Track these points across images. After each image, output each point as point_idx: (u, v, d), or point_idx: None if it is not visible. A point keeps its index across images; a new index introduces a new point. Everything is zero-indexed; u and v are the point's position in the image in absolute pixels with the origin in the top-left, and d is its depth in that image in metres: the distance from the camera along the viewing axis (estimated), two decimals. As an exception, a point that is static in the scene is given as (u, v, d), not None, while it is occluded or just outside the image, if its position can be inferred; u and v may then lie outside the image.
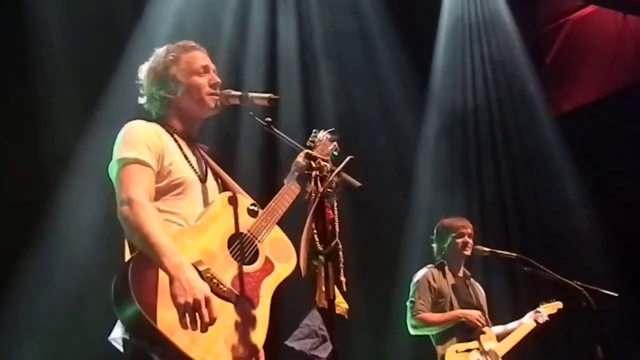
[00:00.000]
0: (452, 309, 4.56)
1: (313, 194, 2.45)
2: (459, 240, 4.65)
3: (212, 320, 2.27)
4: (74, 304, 4.20)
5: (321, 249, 2.39)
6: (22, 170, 4.29)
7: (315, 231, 2.42)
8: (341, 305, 2.45)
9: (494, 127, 6.70)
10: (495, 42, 6.77)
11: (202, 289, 2.27)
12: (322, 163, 2.51)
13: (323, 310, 2.40)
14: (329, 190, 2.45)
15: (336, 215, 2.46)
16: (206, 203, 2.62)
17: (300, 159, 2.62)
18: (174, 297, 2.24)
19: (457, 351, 4.44)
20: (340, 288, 2.40)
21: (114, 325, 2.49)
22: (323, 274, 2.38)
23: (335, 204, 2.48)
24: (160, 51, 2.76)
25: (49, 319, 4.19)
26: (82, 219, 4.29)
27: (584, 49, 7.54)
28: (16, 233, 4.17)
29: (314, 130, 2.72)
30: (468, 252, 4.68)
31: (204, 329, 2.26)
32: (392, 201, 5.76)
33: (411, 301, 4.60)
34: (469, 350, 4.46)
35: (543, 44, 7.70)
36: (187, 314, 2.22)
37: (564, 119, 6.96)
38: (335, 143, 2.79)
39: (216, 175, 2.76)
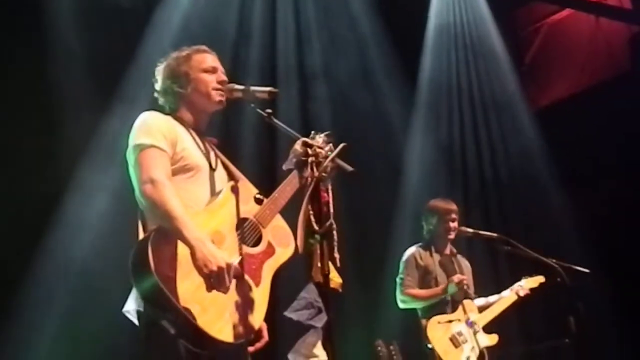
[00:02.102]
0: (437, 284, 4.55)
1: (309, 178, 2.44)
2: (445, 225, 4.63)
3: (230, 284, 2.32)
4: (89, 278, 4.18)
5: (317, 228, 2.40)
6: (36, 162, 4.25)
7: (311, 212, 2.42)
8: (335, 279, 2.45)
9: (477, 121, 6.67)
10: (478, 45, 6.72)
11: (224, 257, 2.33)
12: (318, 150, 2.51)
13: (319, 284, 2.40)
14: (324, 174, 2.45)
15: (330, 198, 2.45)
16: (214, 190, 2.63)
17: (297, 146, 2.62)
18: (198, 268, 2.29)
19: (439, 322, 4.43)
20: (334, 264, 2.41)
21: (127, 298, 2.51)
22: (319, 252, 2.38)
23: (330, 187, 2.47)
24: (175, 52, 2.79)
25: (64, 295, 4.18)
26: (97, 207, 4.26)
27: (560, 49, 7.53)
28: (35, 219, 4.15)
29: (312, 132, 2.71)
30: (452, 236, 4.65)
31: (223, 291, 2.32)
32: (382, 187, 5.74)
33: (400, 278, 4.61)
34: (450, 322, 4.45)
35: (522, 46, 7.65)
36: (213, 280, 2.27)
37: (541, 113, 6.92)
38: (331, 145, 2.77)
39: (225, 166, 2.76)
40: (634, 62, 6.65)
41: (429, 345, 4.35)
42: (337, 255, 2.38)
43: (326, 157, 2.48)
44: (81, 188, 4.26)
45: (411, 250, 4.69)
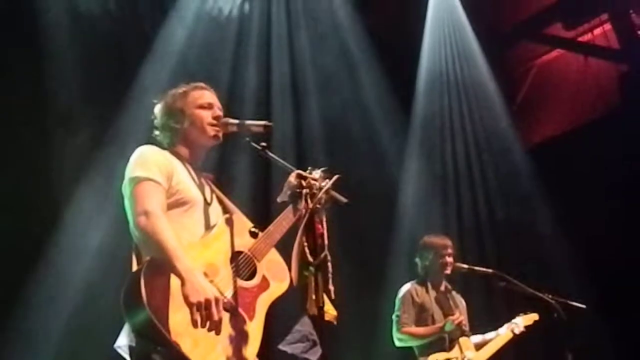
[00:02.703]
0: (434, 322, 4.49)
1: (304, 210, 2.43)
2: (440, 260, 4.58)
3: (220, 320, 2.27)
4: (82, 313, 4.11)
5: (311, 260, 2.37)
6: (31, 187, 4.22)
7: (305, 244, 2.39)
8: (330, 312, 2.41)
9: (470, 157, 6.70)
10: (470, 84, 6.80)
11: (213, 290, 2.30)
12: (312, 182, 2.50)
13: (313, 317, 2.36)
14: (318, 206, 2.43)
15: (325, 230, 2.43)
16: (209, 224, 2.62)
17: (291, 178, 2.62)
18: (186, 297, 2.26)
19: None
20: (329, 296, 2.37)
21: (120, 333, 2.46)
22: (313, 284, 2.34)
23: (324, 219, 2.45)
24: (172, 89, 2.82)
25: (58, 329, 4.09)
26: (90, 237, 4.21)
27: (550, 88, 7.64)
28: (25, 248, 4.10)
29: (309, 168, 2.71)
30: (448, 271, 4.60)
31: (212, 328, 2.27)
32: (377, 217, 5.72)
33: (396, 315, 4.54)
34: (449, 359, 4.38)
35: (513, 86, 7.75)
36: (198, 313, 2.24)
37: (533, 150, 6.96)
38: (327, 180, 2.75)
39: (220, 201, 2.76)
40: (623, 99, 6.71)
41: None
42: (331, 287, 2.35)
43: (320, 189, 2.46)
44: (79, 214, 4.23)
45: (407, 287, 4.64)
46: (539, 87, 7.77)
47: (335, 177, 2.47)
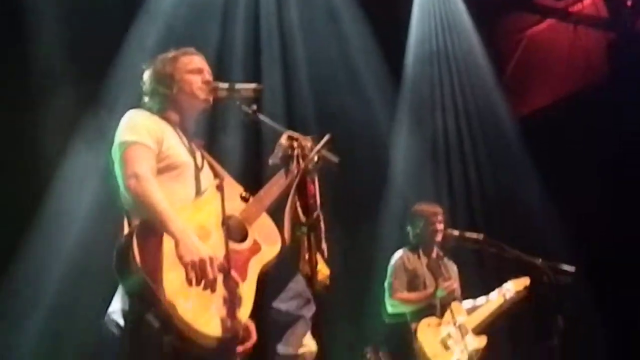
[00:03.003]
0: (425, 288, 4.54)
1: (295, 171, 2.42)
2: (431, 228, 4.61)
3: (215, 279, 2.27)
4: (73, 280, 4.10)
5: (304, 220, 2.37)
6: (20, 160, 4.17)
7: (298, 204, 2.39)
8: (323, 271, 2.41)
9: (460, 125, 6.70)
10: (460, 53, 6.77)
11: (207, 250, 2.29)
12: (303, 143, 2.49)
13: (307, 276, 2.36)
14: (310, 166, 2.43)
15: (317, 190, 2.42)
16: (200, 189, 2.60)
17: (283, 140, 2.61)
18: (180, 257, 2.25)
19: (428, 325, 4.40)
20: (322, 255, 2.37)
21: (112, 299, 2.46)
22: (306, 243, 2.34)
23: (316, 180, 2.44)
24: (161, 54, 2.79)
25: (48, 293, 4.09)
26: (80, 202, 4.18)
27: (540, 60, 7.60)
28: (16, 216, 4.06)
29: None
30: (439, 239, 4.63)
31: (207, 287, 2.27)
32: (369, 181, 5.73)
33: (389, 282, 4.58)
34: (440, 325, 4.42)
35: (502, 58, 7.71)
36: (193, 272, 2.23)
37: (522, 120, 6.97)
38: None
39: (211, 166, 2.74)
40: (612, 67, 6.71)
41: (421, 348, 4.29)
42: (324, 246, 2.34)
43: (312, 149, 2.45)
44: (66, 181, 4.19)
45: (399, 254, 4.66)
46: (528, 58, 7.72)
47: (327, 137, 2.46)
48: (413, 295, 4.50)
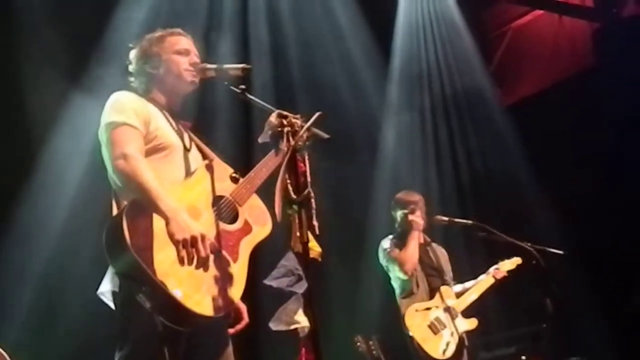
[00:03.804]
0: (415, 275, 4.47)
1: (285, 148, 2.38)
2: (408, 217, 4.58)
3: (207, 257, 2.24)
4: (63, 260, 4.04)
5: (294, 197, 2.33)
6: (7, 131, 4.10)
7: (288, 182, 2.35)
8: (315, 248, 2.38)
9: (449, 112, 6.70)
10: (447, 39, 6.77)
11: (198, 227, 2.26)
12: (293, 120, 2.45)
13: (298, 253, 2.33)
14: (300, 144, 2.39)
15: (307, 167, 2.39)
16: (189, 170, 2.57)
17: (272, 118, 2.56)
18: (171, 235, 2.22)
19: (416, 310, 4.37)
20: (313, 232, 2.33)
21: (102, 280, 2.42)
22: (297, 221, 2.31)
23: (306, 157, 2.41)
24: (149, 34, 2.73)
25: (36, 273, 4.02)
26: (70, 179, 4.12)
27: (525, 51, 7.60)
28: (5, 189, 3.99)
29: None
30: (419, 226, 4.58)
31: (200, 265, 2.24)
32: (360, 160, 5.71)
33: (384, 259, 4.52)
34: (428, 309, 4.39)
35: (488, 49, 7.71)
36: (185, 250, 2.20)
37: (509, 109, 6.98)
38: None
39: (199, 148, 2.70)
40: (597, 55, 6.73)
41: (409, 334, 4.27)
42: (315, 223, 2.31)
43: (302, 127, 2.42)
44: (53, 159, 4.12)
45: (386, 242, 4.64)
46: (514, 50, 7.74)
47: (317, 114, 2.42)
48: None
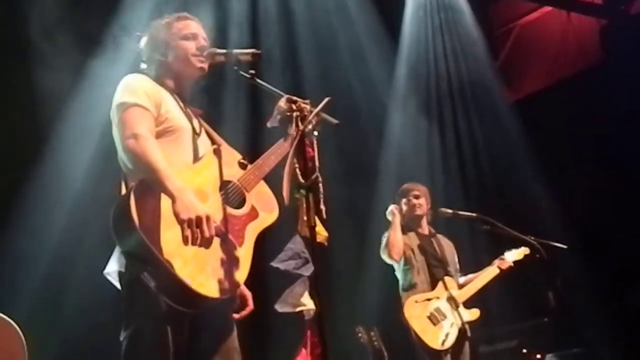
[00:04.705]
0: (416, 266, 4.47)
1: (294, 133, 2.38)
2: (409, 203, 4.61)
3: (212, 238, 2.23)
4: (71, 239, 4.05)
5: (302, 182, 2.33)
6: (18, 112, 4.10)
7: (297, 166, 2.35)
8: (322, 233, 2.38)
9: (455, 107, 6.68)
10: (456, 33, 6.75)
11: (204, 208, 2.25)
12: (302, 105, 2.44)
13: (305, 237, 2.33)
14: (309, 128, 2.38)
15: (316, 152, 2.39)
16: (197, 154, 2.56)
17: (281, 103, 2.56)
18: (177, 214, 2.21)
19: (416, 301, 4.36)
20: (320, 217, 2.33)
21: (109, 260, 2.42)
22: (304, 205, 2.31)
23: (315, 142, 2.40)
24: (156, 20, 2.73)
25: (46, 255, 4.03)
26: (79, 160, 4.12)
27: (532, 48, 7.60)
28: (14, 170, 4.00)
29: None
30: (418, 212, 4.60)
31: (204, 244, 2.23)
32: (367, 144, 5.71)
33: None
34: (429, 300, 4.38)
35: (495, 46, 7.69)
36: (189, 230, 2.19)
37: (516, 104, 6.97)
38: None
39: (208, 134, 2.70)
40: (604, 52, 6.70)
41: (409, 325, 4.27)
42: (323, 207, 2.31)
43: (311, 112, 2.41)
44: (63, 143, 4.13)
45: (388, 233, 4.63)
46: (521, 46, 7.73)
47: (326, 99, 2.42)
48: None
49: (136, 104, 2.44)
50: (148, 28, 2.72)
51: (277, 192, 2.49)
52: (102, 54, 4.07)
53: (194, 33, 2.66)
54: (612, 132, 6.05)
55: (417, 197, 4.63)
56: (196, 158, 2.55)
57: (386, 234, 4.55)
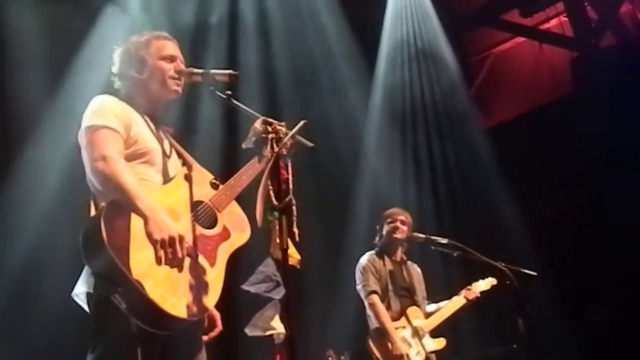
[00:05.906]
0: (387, 294, 4.51)
1: (269, 155, 2.38)
2: (391, 225, 4.64)
3: (184, 258, 2.23)
4: (37, 259, 3.96)
5: (276, 204, 2.33)
6: None
7: (270, 188, 2.35)
8: (294, 256, 2.38)
9: (429, 132, 6.77)
10: (431, 59, 6.87)
11: (177, 228, 2.24)
12: (278, 127, 2.45)
13: (277, 260, 2.32)
14: (283, 151, 2.39)
15: (290, 175, 2.39)
16: (168, 176, 2.55)
17: (257, 124, 2.56)
18: (149, 234, 2.20)
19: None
20: (293, 239, 2.33)
21: (76, 282, 2.39)
22: (277, 227, 2.31)
23: (290, 165, 2.41)
24: (135, 36, 2.71)
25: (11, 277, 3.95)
26: (48, 179, 4.05)
27: (505, 76, 7.75)
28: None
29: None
30: (398, 235, 4.64)
31: (176, 265, 2.22)
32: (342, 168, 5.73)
33: (363, 285, 4.53)
34: (395, 329, 4.39)
35: (470, 73, 7.83)
36: (162, 250, 2.18)
37: (489, 132, 7.08)
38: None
39: (179, 155, 2.68)
40: (575, 83, 6.87)
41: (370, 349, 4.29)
42: (296, 230, 2.31)
43: (286, 134, 2.42)
44: (32, 164, 4.06)
45: (365, 258, 4.65)
46: (495, 74, 7.89)
47: (302, 122, 2.43)
48: (382, 318, 4.40)
49: (105, 126, 2.42)
50: (124, 42, 2.69)
51: (253, 211, 2.48)
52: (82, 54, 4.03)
53: (172, 55, 2.65)
54: (582, 160, 6.18)
55: (403, 222, 4.66)
56: (166, 179, 2.54)
57: (360, 264, 4.57)
